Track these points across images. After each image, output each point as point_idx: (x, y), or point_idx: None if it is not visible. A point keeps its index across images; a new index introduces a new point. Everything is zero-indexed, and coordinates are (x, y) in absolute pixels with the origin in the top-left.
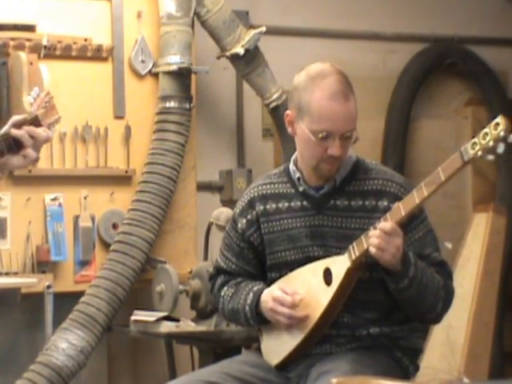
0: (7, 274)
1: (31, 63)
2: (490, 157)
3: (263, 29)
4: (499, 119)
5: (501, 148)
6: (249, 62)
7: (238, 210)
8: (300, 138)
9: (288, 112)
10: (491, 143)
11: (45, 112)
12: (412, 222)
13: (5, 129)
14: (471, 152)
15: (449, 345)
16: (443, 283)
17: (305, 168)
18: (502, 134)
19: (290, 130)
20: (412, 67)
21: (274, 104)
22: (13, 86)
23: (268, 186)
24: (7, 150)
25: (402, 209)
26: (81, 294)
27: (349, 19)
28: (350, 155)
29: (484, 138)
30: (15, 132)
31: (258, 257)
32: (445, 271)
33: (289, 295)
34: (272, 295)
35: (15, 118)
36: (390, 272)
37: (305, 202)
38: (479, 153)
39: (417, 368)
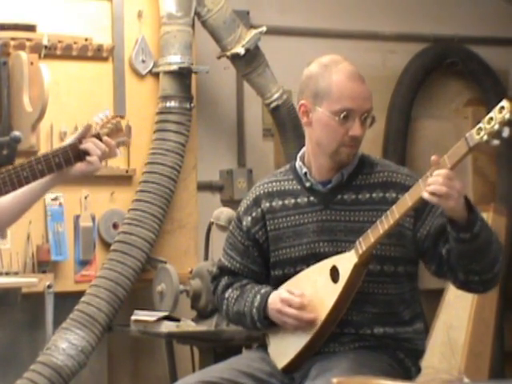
0: (7, 273)
1: (32, 63)
2: (496, 142)
3: (264, 29)
4: (504, 103)
5: (506, 132)
6: (249, 62)
7: (243, 209)
8: (318, 124)
9: (302, 102)
10: (496, 127)
11: (109, 132)
12: (427, 204)
13: (70, 140)
14: (476, 137)
15: (449, 344)
16: None
17: (318, 159)
18: (507, 116)
19: (304, 120)
20: (412, 67)
21: (274, 104)
22: (13, 85)
23: (274, 184)
24: (74, 159)
25: (408, 200)
26: (81, 293)
27: (349, 19)
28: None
29: (489, 123)
30: (84, 143)
31: (263, 255)
32: None
33: (296, 297)
34: (280, 297)
35: (79, 132)
36: (457, 222)
37: (312, 198)
38: (485, 137)
39: (419, 370)
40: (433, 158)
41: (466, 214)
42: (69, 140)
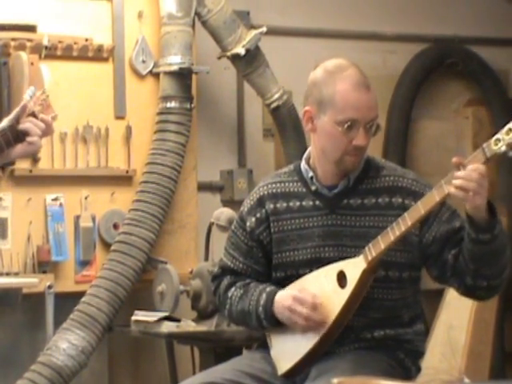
0: (8, 274)
1: (32, 63)
2: None
3: (264, 29)
4: None
5: None
6: (249, 62)
7: (246, 209)
8: (322, 132)
9: (307, 108)
10: None
11: (41, 109)
12: (434, 210)
13: (6, 122)
14: (494, 148)
15: (449, 345)
16: None
17: (323, 165)
18: None
19: (309, 126)
20: (412, 67)
21: (274, 104)
22: (14, 86)
23: (278, 185)
24: (14, 140)
25: (421, 207)
26: (82, 294)
27: (349, 19)
28: None
29: (508, 134)
30: (22, 123)
31: (267, 256)
32: None
33: (309, 297)
34: (291, 295)
35: (14, 112)
36: (477, 222)
37: (317, 202)
38: (503, 148)
39: (419, 369)
40: (454, 159)
41: (486, 214)
42: (4, 122)
